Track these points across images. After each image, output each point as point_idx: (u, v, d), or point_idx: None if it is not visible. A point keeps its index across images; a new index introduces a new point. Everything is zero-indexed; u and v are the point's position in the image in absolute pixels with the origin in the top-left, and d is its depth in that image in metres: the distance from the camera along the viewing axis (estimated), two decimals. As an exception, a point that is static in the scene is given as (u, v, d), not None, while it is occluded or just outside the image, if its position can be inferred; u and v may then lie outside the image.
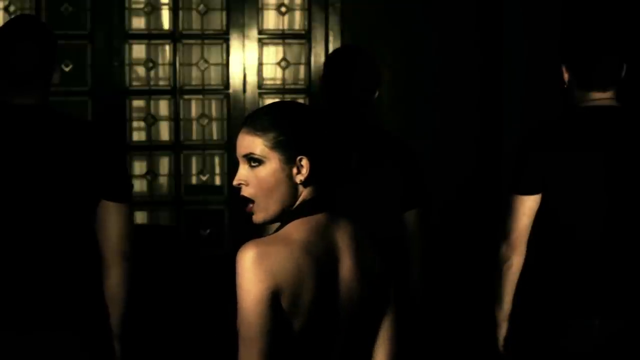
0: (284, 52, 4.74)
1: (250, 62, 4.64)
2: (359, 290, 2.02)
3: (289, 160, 1.99)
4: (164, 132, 4.81)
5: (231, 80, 4.65)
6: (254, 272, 1.89)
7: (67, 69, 4.54)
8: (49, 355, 2.67)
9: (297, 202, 2.01)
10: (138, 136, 4.84)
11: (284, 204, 2.00)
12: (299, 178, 1.99)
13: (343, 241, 2.02)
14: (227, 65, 4.65)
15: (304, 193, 2.01)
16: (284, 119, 1.99)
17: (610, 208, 2.90)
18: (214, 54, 4.72)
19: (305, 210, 2.00)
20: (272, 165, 1.99)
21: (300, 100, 4.65)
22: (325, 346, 1.99)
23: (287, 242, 1.95)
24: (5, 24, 2.80)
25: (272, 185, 1.99)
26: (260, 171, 1.99)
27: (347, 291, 2.00)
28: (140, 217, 4.78)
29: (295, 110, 2.02)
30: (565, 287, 2.91)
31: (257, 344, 1.89)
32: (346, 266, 2.01)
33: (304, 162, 1.99)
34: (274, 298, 1.90)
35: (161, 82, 4.76)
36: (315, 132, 2.01)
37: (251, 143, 1.99)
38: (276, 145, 1.98)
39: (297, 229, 1.98)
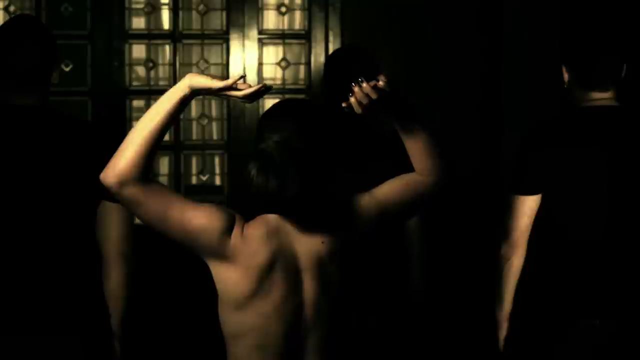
0: (284, 52, 4.74)
1: (250, 62, 4.64)
2: (324, 268, 2.14)
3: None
4: (164, 132, 4.80)
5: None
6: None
7: (67, 69, 4.54)
8: (50, 356, 2.66)
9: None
10: (138, 136, 4.83)
11: None
12: None
13: (295, 231, 2.14)
14: (227, 65, 4.65)
15: None
16: (275, 127, 2.16)
17: (610, 208, 2.90)
18: (214, 54, 4.72)
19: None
20: None
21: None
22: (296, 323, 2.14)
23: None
24: (5, 24, 2.79)
25: None
26: None
27: (310, 275, 2.14)
28: (140, 217, 4.78)
29: (296, 127, 2.17)
30: (566, 287, 2.90)
31: None
32: (304, 253, 2.14)
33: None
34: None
35: (161, 82, 4.75)
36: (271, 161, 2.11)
37: None
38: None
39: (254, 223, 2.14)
